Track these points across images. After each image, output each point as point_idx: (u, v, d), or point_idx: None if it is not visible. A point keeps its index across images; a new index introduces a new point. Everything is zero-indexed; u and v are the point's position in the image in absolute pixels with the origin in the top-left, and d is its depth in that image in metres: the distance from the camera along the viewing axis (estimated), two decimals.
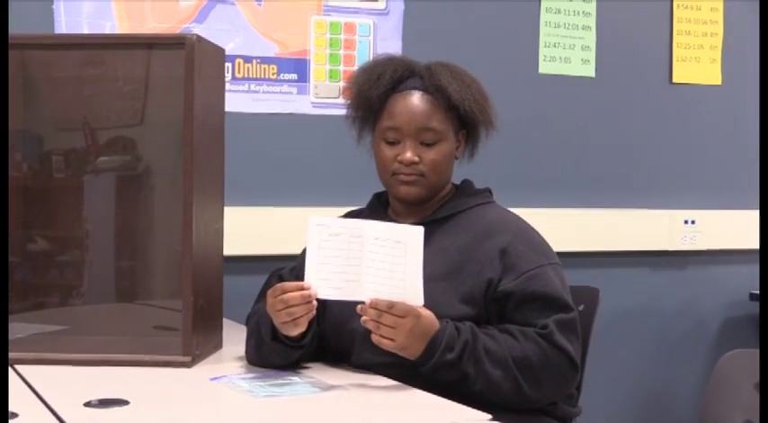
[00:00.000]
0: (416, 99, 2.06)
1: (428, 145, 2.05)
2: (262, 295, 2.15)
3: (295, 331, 1.91)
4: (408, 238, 1.85)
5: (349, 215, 2.21)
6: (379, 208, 2.18)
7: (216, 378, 1.91)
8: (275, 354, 1.98)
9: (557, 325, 1.93)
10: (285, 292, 1.87)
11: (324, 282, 1.87)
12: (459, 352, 1.86)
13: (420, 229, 1.85)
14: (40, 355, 2.01)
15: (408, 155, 2.03)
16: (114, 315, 2.14)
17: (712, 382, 1.98)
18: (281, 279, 2.11)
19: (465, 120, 2.09)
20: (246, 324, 2.14)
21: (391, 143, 2.07)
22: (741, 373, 1.96)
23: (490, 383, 1.88)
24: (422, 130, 2.04)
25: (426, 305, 1.87)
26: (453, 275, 2.00)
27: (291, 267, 2.16)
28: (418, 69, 2.09)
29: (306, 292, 1.86)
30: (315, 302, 1.87)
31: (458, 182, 2.19)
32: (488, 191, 2.18)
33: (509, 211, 2.14)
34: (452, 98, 2.04)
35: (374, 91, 2.08)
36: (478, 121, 2.10)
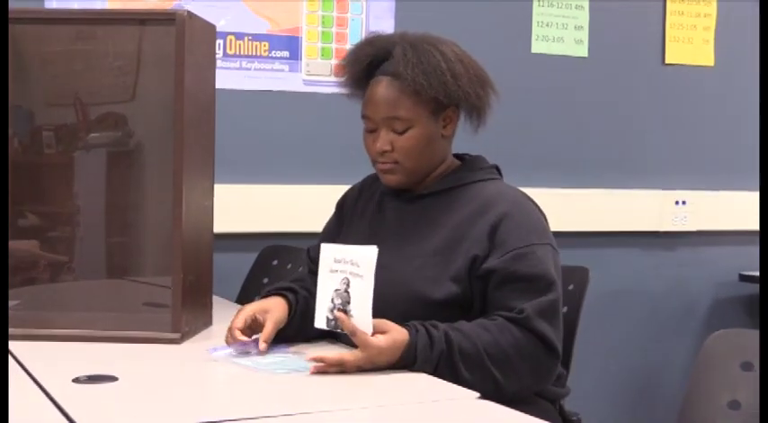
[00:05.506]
0: (383, 87, 2.01)
1: (400, 132, 2.01)
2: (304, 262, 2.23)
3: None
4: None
5: (367, 179, 2.22)
6: None
7: (215, 349, 1.91)
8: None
9: (534, 309, 1.88)
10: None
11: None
12: (434, 365, 1.81)
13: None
14: (29, 331, 2.00)
15: (378, 145, 2.01)
16: (104, 291, 2.14)
17: (700, 362, 1.99)
18: (310, 258, 2.17)
19: (446, 99, 2.01)
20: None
21: (371, 130, 2.05)
22: (729, 352, 1.97)
23: (468, 386, 1.78)
24: (389, 119, 2.01)
25: (418, 282, 1.89)
26: (446, 252, 1.97)
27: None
28: (394, 52, 2.01)
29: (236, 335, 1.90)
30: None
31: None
32: (495, 167, 2.13)
33: (511, 187, 2.07)
34: (415, 84, 1.97)
35: (351, 75, 2.09)
36: (455, 102, 2.02)
